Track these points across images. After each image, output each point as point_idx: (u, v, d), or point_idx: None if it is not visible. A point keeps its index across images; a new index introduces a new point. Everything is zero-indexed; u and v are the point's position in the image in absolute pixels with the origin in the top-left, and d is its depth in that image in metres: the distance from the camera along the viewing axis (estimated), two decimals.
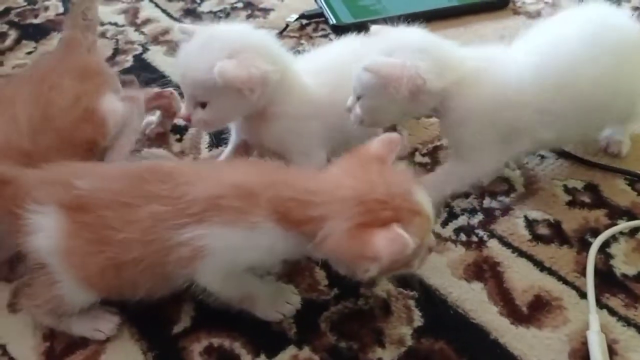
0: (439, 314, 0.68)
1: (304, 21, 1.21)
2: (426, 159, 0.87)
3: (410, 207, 0.57)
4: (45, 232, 0.62)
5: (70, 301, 0.64)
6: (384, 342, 0.66)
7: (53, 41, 1.19)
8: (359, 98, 0.74)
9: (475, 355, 0.64)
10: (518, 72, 0.73)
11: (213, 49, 0.72)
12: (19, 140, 0.72)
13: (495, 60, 0.75)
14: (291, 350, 0.65)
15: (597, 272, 0.71)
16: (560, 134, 0.76)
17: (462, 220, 0.78)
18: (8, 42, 1.20)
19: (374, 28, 0.78)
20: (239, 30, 0.77)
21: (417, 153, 0.88)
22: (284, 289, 0.70)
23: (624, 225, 0.75)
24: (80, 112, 0.77)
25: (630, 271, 0.71)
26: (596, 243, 0.73)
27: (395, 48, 0.71)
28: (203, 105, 0.75)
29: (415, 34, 0.74)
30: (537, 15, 1.19)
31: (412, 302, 0.69)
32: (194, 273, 0.62)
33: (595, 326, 0.64)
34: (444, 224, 0.78)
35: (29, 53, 1.16)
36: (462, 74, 0.73)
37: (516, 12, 1.20)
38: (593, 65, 0.72)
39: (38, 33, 1.22)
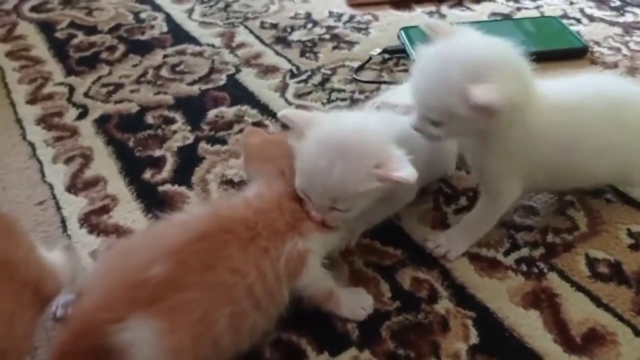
0: (495, 335, 0.72)
1: (387, 56, 1.28)
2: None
3: None
4: (141, 344, 0.55)
5: None
6: (439, 355, 0.70)
7: (157, 57, 1.31)
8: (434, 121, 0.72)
9: None
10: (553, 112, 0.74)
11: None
12: None
13: (548, 92, 0.75)
14: (353, 351, 0.71)
15: None
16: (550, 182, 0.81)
17: (524, 251, 0.82)
18: (117, 54, 1.33)
19: (436, 24, 0.74)
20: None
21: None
22: (358, 291, 0.76)
23: None
24: None
25: None
26: None
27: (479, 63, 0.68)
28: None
29: (496, 46, 0.71)
30: (614, 66, 1.22)
31: (469, 321, 0.73)
32: (297, 276, 0.68)
33: None
34: (507, 253, 0.82)
35: (135, 66, 1.29)
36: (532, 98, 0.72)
37: (594, 62, 1.24)
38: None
39: (143, 48, 1.35)
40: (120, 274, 0.61)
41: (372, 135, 0.68)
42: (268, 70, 1.25)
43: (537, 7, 1.47)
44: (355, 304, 0.74)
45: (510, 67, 0.70)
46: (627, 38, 1.32)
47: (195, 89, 1.20)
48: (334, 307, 0.73)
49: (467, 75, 0.66)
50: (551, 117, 0.74)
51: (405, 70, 1.24)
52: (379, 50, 1.27)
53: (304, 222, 0.70)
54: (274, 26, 1.42)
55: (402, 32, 1.32)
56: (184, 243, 0.61)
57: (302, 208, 0.70)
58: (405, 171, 0.65)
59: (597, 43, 1.31)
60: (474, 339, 0.71)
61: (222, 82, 1.22)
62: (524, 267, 0.80)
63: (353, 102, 1.14)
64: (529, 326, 0.73)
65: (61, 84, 1.24)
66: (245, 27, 1.43)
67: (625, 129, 0.77)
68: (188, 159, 1.01)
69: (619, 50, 1.28)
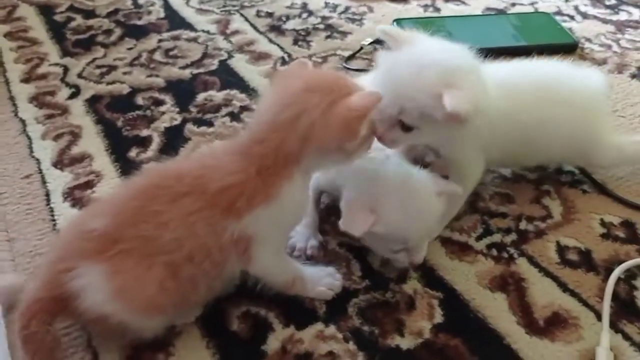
0: (459, 316, 0.73)
1: (378, 46, 1.29)
2: None
3: (357, 89, 0.66)
4: (91, 288, 0.61)
5: (146, 331, 0.67)
6: (403, 332, 0.71)
7: (152, 41, 1.33)
8: (406, 125, 0.73)
9: (487, 356, 0.68)
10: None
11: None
12: None
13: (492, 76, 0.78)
14: (318, 326, 0.72)
15: (619, 300, 0.74)
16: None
17: (496, 237, 0.83)
18: (113, 37, 1.35)
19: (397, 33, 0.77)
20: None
21: None
22: (327, 271, 0.76)
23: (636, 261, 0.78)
24: None
25: None
26: (619, 268, 0.76)
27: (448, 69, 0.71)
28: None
29: (461, 52, 0.74)
30: (602, 62, 1.23)
31: (435, 302, 0.74)
32: (247, 263, 0.68)
33: (606, 343, 0.67)
34: (479, 238, 0.83)
35: (129, 49, 1.31)
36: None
37: (583, 58, 1.24)
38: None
39: (139, 33, 1.37)
40: (72, 227, 0.68)
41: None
42: (260, 57, 1.27)
43: (532, 4, 1.48)
44: (322, 285, 0.75)
45: (475, 71, 0.74)
46: (619, 36, 1.33)
47: (187, 73, 1.22)
48: (299, 291, 0.74)
49: (442, 81, 0.68)
50: (502, 101, 0.77)
51: None
52: (370, 40, 1.29)
53: (261, 190, 0.64)
54: (270, 15, 1.44)
55: (394, 23, 1.33)
56: (123, 198, 0.66)
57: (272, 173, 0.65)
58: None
59: (589, 40, 1.31)
60: (438, 318, 0.73)
61: (213, 67, 1.23)
62: (495, 252, 0.81)
63: None
64: (494, 308, 0.74)
65: (56, 64, 1.26)
66: (241, 15, 1.44)
67: (562, 105, 0.80)
68: (174, 139, 1.03)
69: (609, 47, 1.28)
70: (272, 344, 0.70)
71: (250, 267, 0.69)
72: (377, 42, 1.29)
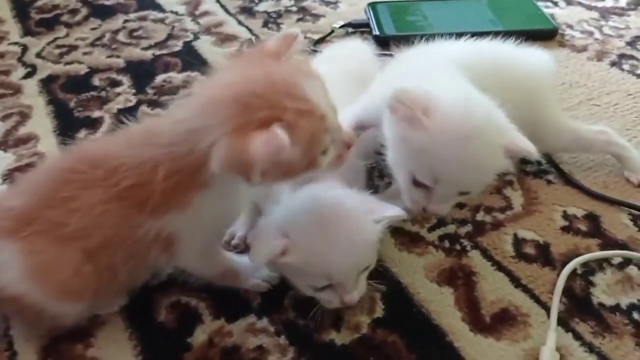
0: (401, 310, 0.68)
1: (350, 29, 1.24)
2: None
3: (297, 106, 0.52)
4: (5, 266, 0.59)
5: (63, 319, 0.63)
6: (340, 326, 0.67)
7: (117, 21, 1.29)
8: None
9: (426, 354, 0.64)
10: None
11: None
12: None
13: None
14: (250, 318, 0.68)
15: (574, 297, 0.69)
16: None
17: (450, 228, 0.79)
18: (78, 17, 1.31)
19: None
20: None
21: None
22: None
23: (601, 253, 0.74)
24: None
25: (608, 302, 0.69)
26: (574, 262, 0.72)
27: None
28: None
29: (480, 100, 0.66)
30: (583, 49, 1.17)
31: (378, 295, 0.70)
32: (172, 259, 0.64)
33: (551, 343, 0.63)
34: (432, 229, 0.79)
35: (93, 29, 1.26)
36: None
37: (562, 45, 1.19)
38: None
39: (106, 13, 1.33)
40: None
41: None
42: (227, 39, 1.22)
43: None
44: (258, 277, 0.70)
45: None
46: (602, 22, 1.27)
47: (149, 54, 1.17)
48: (230, 284, 0.70)
49: (502, 135, 0.64)
50: None
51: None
52: (341, 22, 1.24)
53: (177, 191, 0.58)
54: None
55: (368, 7, 1.28)
56: (42, 178, 0.63)
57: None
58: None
59: (570, 26, 1.26)
60: (379, 312, 0.68)
61: (177, 49, 1.19)
62: (447, 244, 0.76)
63: None
64: (440, 303, 0.69)
65: (16, 43, 1.22)
66: None
67: (505, 89, 0.72)
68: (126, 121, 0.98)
69: (591, 34, 1.23)
70: (199, 336, 0.66)
71: (175, 261, 0.65)
72: (350, 25, 1.24)
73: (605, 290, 0.70)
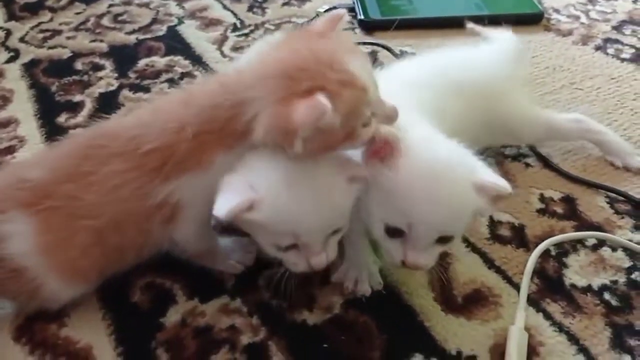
0: (374, 291, 0.69)
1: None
2: None
3: (339, 77, 0.53)
4: (17, 236, 0.60)
5: (60, 298, 0.64)
6: (312, 307, 0.67)
7: (102, 6, 1.29)
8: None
9: (396, 334, 0.64)
10: None
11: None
12: None
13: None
14: (224, 299, 0.68)
15: (546, 278, 0.70)
16: None
17: None
18: (62, 2, 1.31)
19: None
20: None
21: None
22: (242, 243, 0.72)
23: (574, 234, 0.74)
24: None
25: (580, 282, 0.69)
26: (546, 243, 0.72)
27: None
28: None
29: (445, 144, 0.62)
30: (568, 34, 1.17)
31: None
32: (173, 229, 0.64)
33: (520, 322, 0.63)
34: None
35: (77, 14, 1.26)
36: None
37: (547, 29, 1.19)
38: None
39: None
40: (11, 172, 0.66)
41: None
42: (211, 23, 1.22)
43: None
44: (232, 258, 0.71)
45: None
46: (589, 7, 1.27)
47: (132, 38, 1.17)
48: (207, 263, 0.70)
49: (471, 172, 0.59)
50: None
51: (352, 29, 1.20)
52: (326, 7, 1.24)
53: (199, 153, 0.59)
54: None
55: None
56: (63, 153, 0.63)
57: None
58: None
59: (557, 10, 1.25)
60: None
61: (161, 33, 1.19)
62: None
63: None
64: (413, 283, 0.69)
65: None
66: None
67: (470, 99, 0.72)
68: (107, 105, 0.99)
69: (577, 18, 1.23)
70: (172, 316, 0.66)
71: (173, 232, 0.65)
72: (334, 9, 1.24)
73: (577, 272, 0.70)
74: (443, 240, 0.60)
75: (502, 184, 0.58)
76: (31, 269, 0.61)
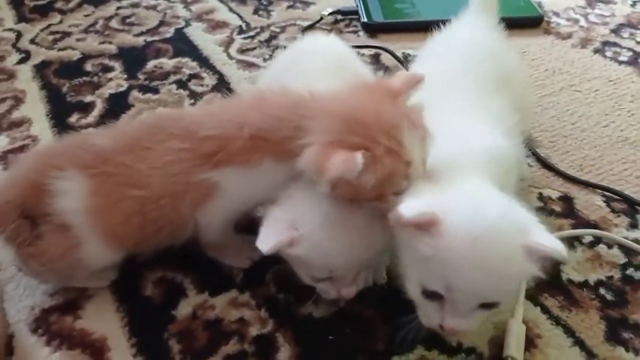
0: (381, 286, 0.71)
1: (339, 17, 1.26)
2: None
3: (388, 144, 0.56)
4: (70, 194, 0.63)
5: (93, 262, 0.66)
6: (318, 301, 0.69)
7: (110, 8, 1.31)
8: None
9: (400, 327, 0.66)
10: None
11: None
12: None
13: None
14: (233, 293, 0.71)
15: (545, 274, 0.72)
16: None
17: None
18: (71, 4, 1.33)
19: None
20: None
21: None
22: (250, 239, 0.73)
23: (572, 232, 0.77)
24: None
25: (577, 278, 0.72)
26: None
27: None
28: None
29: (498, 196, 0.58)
30: (567, 37, 1.19)
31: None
32: (201, 212, 0.66)
33: (519, 315, 0.66)
34: None
35: (86, 16, 1.29)
36: None
37: (547, 32, 1.21)
38: None
39: (99, 0, 1.34)
40: (79, 137, 0.72)
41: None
42: (217, 26, 1.24)
43: None
44: (242, 253, 0.73)
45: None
46: (589, 10, 1.29)
47: (141, 40, 1.20)
48: (217, 256, 0.73)
49: (522, 234, 0.54)
50: None
51: (355, 32, 1.23)
52: (330, 10, 1.26)
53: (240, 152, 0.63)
54: None
55: None
56: (131, 129, 0.69)
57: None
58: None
59: (557, 14, 1.28)
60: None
61: (168, 35, 1.21)
62: None
63: None
64: None
65: (10, 29, 1.24)
66: None
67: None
68: (117, 105, 1.01)
69: (576, 21, 1.25)
70: (183, 309, 0.69)
71: (200, 215, 0.67)
72: (339, 12, 1.26)
73: (575, 268, 0.73)
74: (487, 306, 0.55)
75: (556, 246, 0.52)
76: (76, 228, 0.64)
